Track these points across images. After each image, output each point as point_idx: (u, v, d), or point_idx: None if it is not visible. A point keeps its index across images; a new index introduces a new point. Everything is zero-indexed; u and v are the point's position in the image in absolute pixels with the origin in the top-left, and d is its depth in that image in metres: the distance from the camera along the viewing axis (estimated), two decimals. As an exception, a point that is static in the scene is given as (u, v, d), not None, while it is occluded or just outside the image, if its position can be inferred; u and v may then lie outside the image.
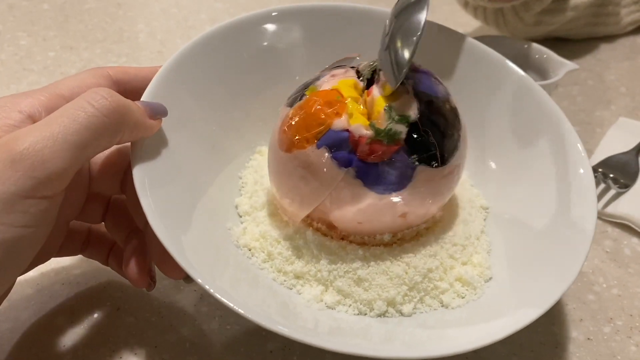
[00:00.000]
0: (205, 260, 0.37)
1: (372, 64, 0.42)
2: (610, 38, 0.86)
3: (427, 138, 0.39)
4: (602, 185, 0.58)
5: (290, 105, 0.42)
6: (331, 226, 0.42)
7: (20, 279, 0.42)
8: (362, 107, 0.40)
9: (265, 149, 0.50)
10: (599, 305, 0.48)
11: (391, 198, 0.39)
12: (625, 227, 0.55)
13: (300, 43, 0.51)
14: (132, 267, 0.40)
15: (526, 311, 0.37)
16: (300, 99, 0.41)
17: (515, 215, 0.47)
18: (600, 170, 0.60)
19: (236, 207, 0.46)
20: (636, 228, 0.55)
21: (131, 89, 0.42)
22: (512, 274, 0.42)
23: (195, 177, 0.43)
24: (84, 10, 0.85)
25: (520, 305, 0.39)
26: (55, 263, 0.47)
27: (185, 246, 0.36)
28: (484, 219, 0.48)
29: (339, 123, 0.38)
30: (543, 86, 0.53)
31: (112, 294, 0.46)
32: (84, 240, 0.44)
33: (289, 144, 0.40)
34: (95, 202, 0.43)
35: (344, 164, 0.38)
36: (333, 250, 0.41)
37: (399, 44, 0.40)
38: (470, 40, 0.52)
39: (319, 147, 0.39)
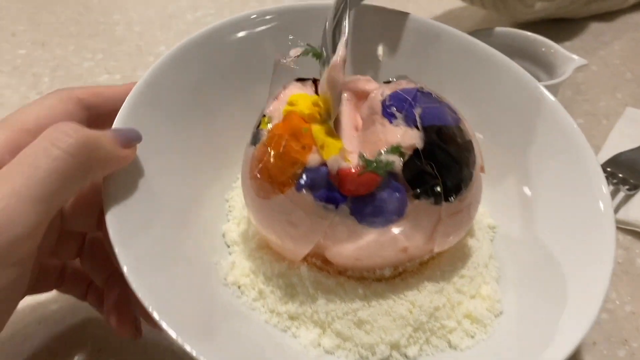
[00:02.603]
0: (191, 318, 0.33)
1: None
2: (612, 17, 0.82)
3: (423, 168, 0.35)
4: (610, 188, 0.55)
5: (254, 143, 0.37)
6: (327, 261, 0.39)
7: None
8: (327, 128, 0.36)
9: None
10: (612, 325, 0.45)
11: (390, 233, 0.36)
12: (637, 234, 0.52)
13: (280, 47, 0.46)
14: (114, 318, 0.37)
15: (542, 354, 0.34)
16: (260, 135, 0.37)
17: (524, 236, 0.43)
18: (608, 169, 0.57)
19: (223, 235, 0.43)
20: (649, 235, 0.52)
21: (103, 113, 0.38)
22: (524, 306, 0.39)
23: (177, 208, 0.39)
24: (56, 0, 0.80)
25: (534, 346, 0.35)
26: (30, 299, 0.44)
27: (169, 302, 0.32)
28: (491, 240, 0.44)
29: (313, 159, 0.34)
30: (550, 86, 0.49)
31: (93, 332, 0.43)
32: (59, 276, 0.41)
33: (265, 190, 0.36)
34: (69, 241, 0.39)
35: (331, 203, 0.35)
36: (330, 289, 0.38)
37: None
38: (470, 39, 0.48)
39: (299, 190, 0.35)
